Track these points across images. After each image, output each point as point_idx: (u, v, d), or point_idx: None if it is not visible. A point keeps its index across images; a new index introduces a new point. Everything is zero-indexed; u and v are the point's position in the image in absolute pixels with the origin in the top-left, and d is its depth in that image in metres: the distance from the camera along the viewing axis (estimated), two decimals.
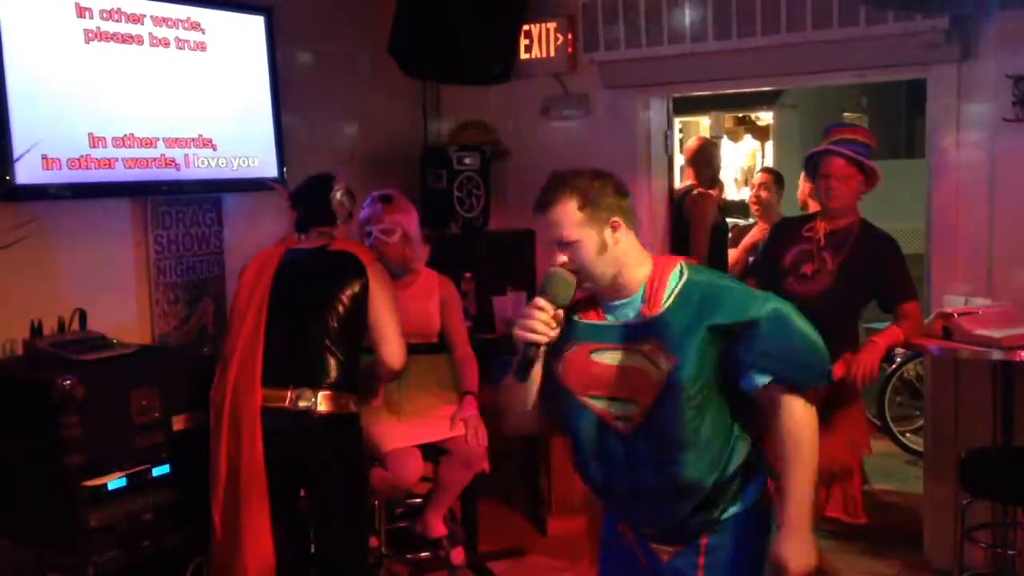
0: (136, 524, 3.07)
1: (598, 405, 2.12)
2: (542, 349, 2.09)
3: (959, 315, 3.57)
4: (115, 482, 3.04)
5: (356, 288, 3.06)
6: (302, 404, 2.98)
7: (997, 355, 3.44)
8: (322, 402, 2.99)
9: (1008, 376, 3.68)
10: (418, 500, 3.91)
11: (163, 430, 3.21)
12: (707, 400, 2.08)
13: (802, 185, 5.22)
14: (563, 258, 2.10)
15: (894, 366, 5.64)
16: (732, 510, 2.15)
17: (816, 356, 2.11)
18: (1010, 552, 3.61)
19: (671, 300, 2.09)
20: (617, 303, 2.14)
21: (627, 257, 2.12)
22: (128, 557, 3.02)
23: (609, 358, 2.11)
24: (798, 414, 2.10)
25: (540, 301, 2.07)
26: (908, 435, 5.69)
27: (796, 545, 2.08)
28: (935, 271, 4.11)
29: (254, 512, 2.94)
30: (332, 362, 3.03)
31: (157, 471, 3.18)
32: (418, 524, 3.89)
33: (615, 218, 2.10)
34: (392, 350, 3.12)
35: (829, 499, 3.73)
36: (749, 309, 2.07)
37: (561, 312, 2.09)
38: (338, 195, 3.23)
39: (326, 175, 3.30)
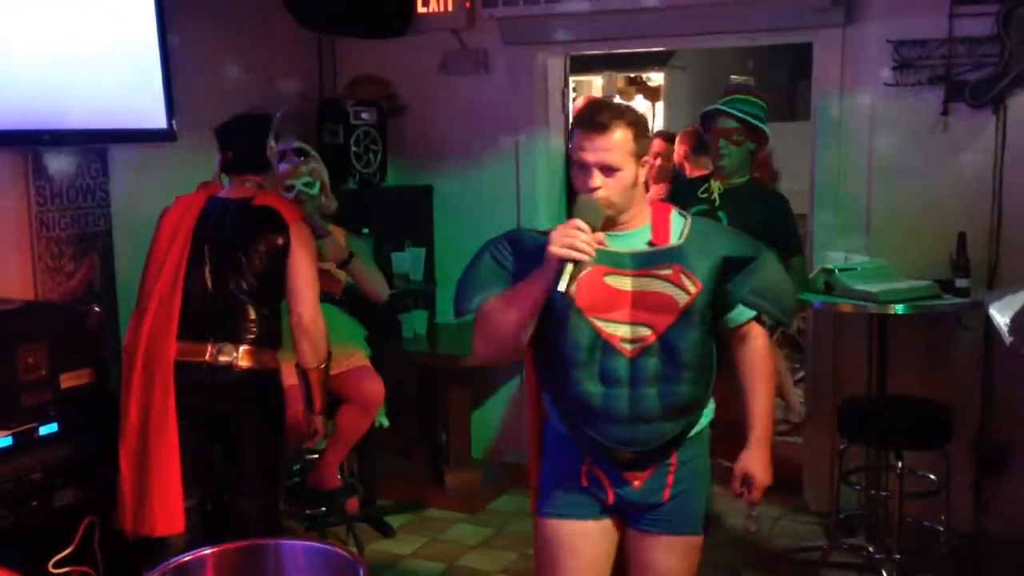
0: (24, 484, 2.98)
1: (607, 328, 2.17)
2: (580, 266, 2.10)
3: (840, 271, 3.74)
4: (1, 441, 2.94)
5: (277, 246, 2.98)
6: (223, 359, 2.93)
7: (874, 308, 3.62)
8: (243, 357, 2.95)
9: (883, 329, 3.89)
10: (315, 456, 3.91)
11: (51, 388, 3.10)
12: (709, 325, 2.25)
13: (677, 148, 5.35)
14: (598, 182, 2.15)
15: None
16: (698, 426, 2.30)
17: (791, 296, 2.38)
18: (883, 493, 3.84)
19: (686, 233, 2.25)
20: (621, 234, 2.23)
21: (640, 195, 2.26)
22: (16, 517, 2.92)
23: (626, 283, 2.18)
24: (764, 345, 2.36)
25: (579, 222, 2.09)
26: None
27: (764, 460, 2.35)
28: (818, 229, 4.29)
29: (164, 465, 2.89)
30: (254, 317, 2.98)
31: (45, 430, 3.08)
32: (312, 476, 3.89)
33: (646, 157, 2.23)
34: (306, 310, 3.02)
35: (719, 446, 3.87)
36: (751, 248, 2.30)
37: (600, 235, 2.13)
38: (273, 142, 3.11)
39: (262, 115, 3.15)
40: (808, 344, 4.56)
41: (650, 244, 2.24)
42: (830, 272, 3.74)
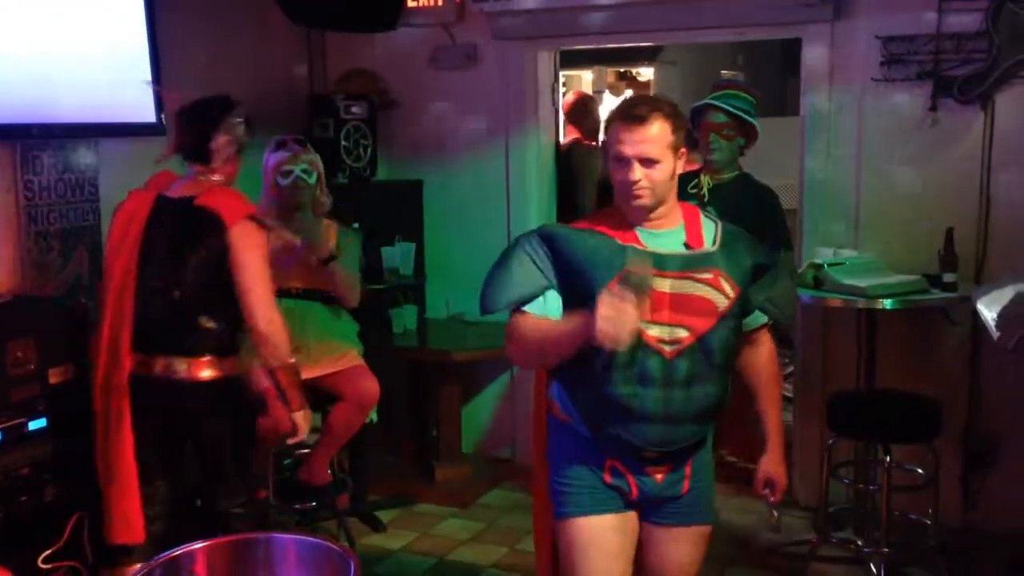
0: (13, 479, 2.98)
1: (648, 329, 2.14)
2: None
3: (828, 266, 3.75)
4: None
5: (216, 250, 2.78)
6: (175, 371, 2.83)
7: (862, 303, 3.63)
8: (195, 369, 2.84)
9: (872, 323, 3.91)
10: (306, 451, 3.91)
11: (39, 383, 3.10)
12: (737, 329, 2.28)
13: None
14: (638, 175, 2.15)
15: None
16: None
17: (796, 302, 2.41)
18: (871, 487, 3.86)
19: (719, 238, 2.27)
20: (657, 232, 2.23)
21: (674, 188, 2.26)
22: (5, 512, 2.92)
23: (665, 285, 2.17)
24: (772, 350, 2.41)
25: (631, 302, 1.97)
26: None
27: (782, 462, 2.42)
28: (807, 224, 4.31)
29: (121, 477, 2.88)
30: (205, 327, 2.85)
31: (33, 425, 3.08)
32: (303, 472, 3.89)
33: (683, 149, 2.23)
34: (259, 313, 2.79)
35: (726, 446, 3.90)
36: (767, 254, 2.34)
37: (647, 309, 2.06)
38: (239, 128, 2.91)
39: (219, 103, 2.94)
40: (797, 339, 4.57)
41: (687, 246, 2.24)
42: (819, 267, 3.75)
